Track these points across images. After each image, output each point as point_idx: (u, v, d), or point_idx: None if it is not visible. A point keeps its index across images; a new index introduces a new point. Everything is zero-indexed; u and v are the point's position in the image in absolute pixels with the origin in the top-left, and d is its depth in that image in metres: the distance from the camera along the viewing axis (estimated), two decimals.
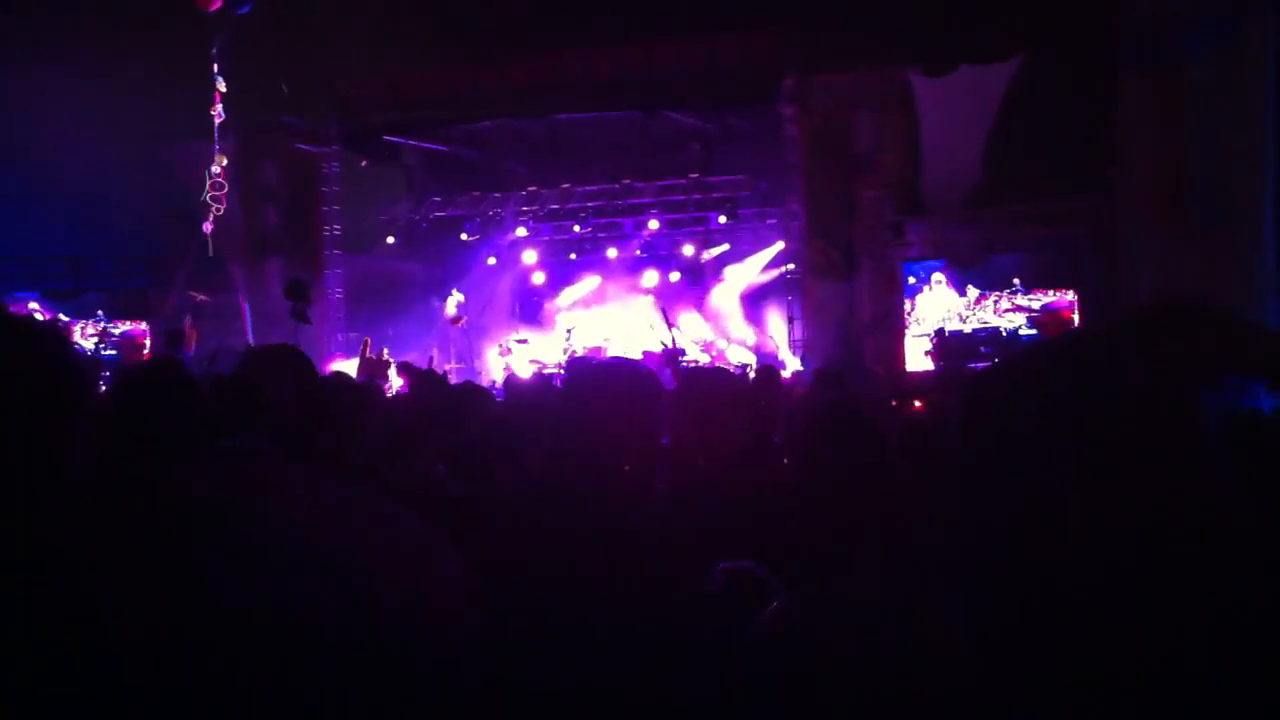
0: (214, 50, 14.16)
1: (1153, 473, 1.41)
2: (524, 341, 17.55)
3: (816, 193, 14.40)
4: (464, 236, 18.06)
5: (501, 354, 17.30)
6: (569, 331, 17.66)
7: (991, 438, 1.47)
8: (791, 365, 14.96)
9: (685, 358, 14.63)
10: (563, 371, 14.15)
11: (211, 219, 14.83)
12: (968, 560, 1.71)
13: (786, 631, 2.01)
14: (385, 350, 14.27)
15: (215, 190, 14.81)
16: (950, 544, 1.88)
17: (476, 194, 17.80)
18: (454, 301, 17.27)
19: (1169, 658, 1.36)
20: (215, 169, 14.75)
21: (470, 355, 16.99)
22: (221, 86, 14.49)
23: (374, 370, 10.63)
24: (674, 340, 13.76)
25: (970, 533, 1.64)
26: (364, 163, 17.86)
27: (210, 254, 15.05)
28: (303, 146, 16.59)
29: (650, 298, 17.70)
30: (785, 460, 3.25)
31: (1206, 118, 11.23)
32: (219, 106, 14.49)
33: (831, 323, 14.35)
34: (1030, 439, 1.44)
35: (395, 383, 9.90)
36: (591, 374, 2.29)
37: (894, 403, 8.23)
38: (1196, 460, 1.48)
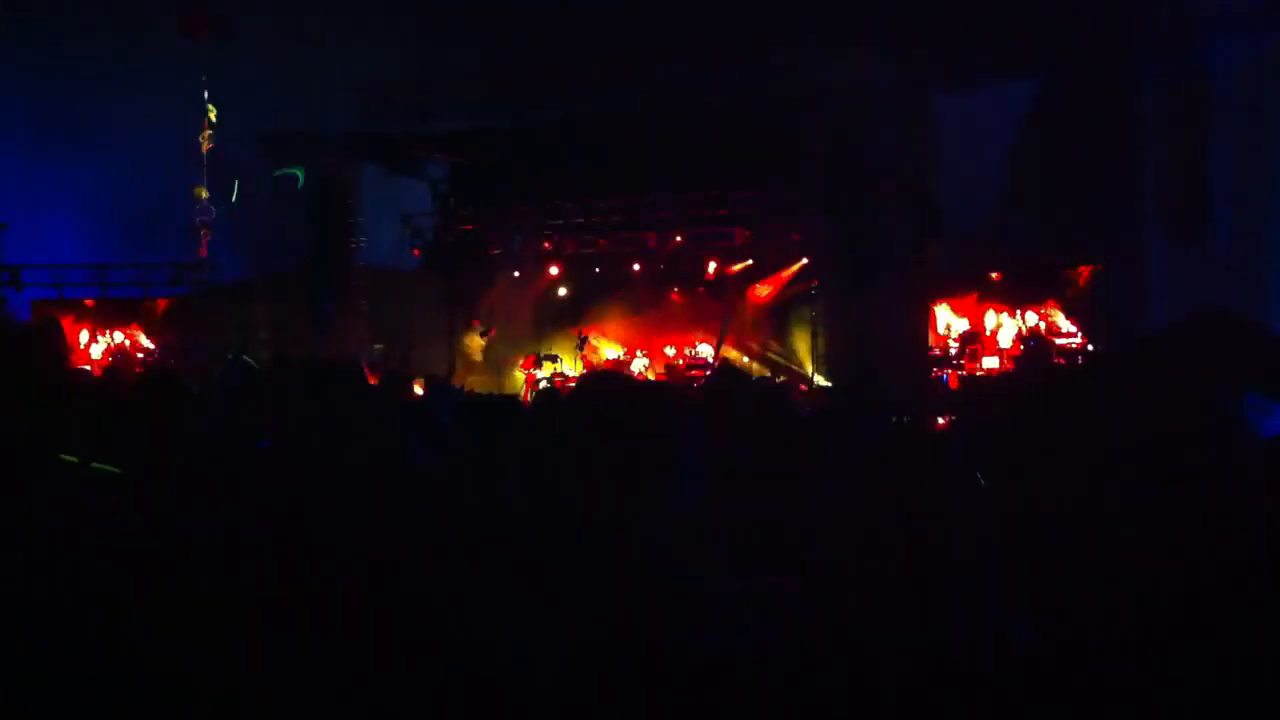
0: (204, 79, 14.35)
1: (1190, 480, 1.40)
2: (550, 356, 17.60)
3: (838, 208, 14.36)
4: (488, 249, 18.14)
5: (526, 367, 17.38)
6: (583, 342, 17.69)
7: (1035, 448, 1.47)
8: (815, 380, 14.94)
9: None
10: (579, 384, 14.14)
11: (204, 244, 15.03)
12: (1005, 562, 1.70)
13: (803, 643, 1.99)
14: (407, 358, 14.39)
15: (204, 216, 14.99)
16: (981, 549, 1.86)
17: (500, 207, 17.86)
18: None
19: (1203, 648, 1.36)
20: (203, 195, 14.93)
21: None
22: (212, 116, 14.67)
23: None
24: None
25: (1012, 536, 1.63)
26: (389, 174, 17.94)
27: (204, 270, 15.24)
28: (329, 157, 16.66)
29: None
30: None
31: (1228, 135, 11.16)
32: (208, 133, 14.68)
33: (852, 337, 14.31)
34: (1072, 449, 1.43)
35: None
36: (597, 384, 2.28)
37: (905, 418, 8.20)
38: (1232, 469, 1.47)
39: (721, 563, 2.06)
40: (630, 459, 1.92)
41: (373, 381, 9.45)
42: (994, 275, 14.72)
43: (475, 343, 18.28)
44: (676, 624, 1.86)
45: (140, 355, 16.13)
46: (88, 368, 14.50)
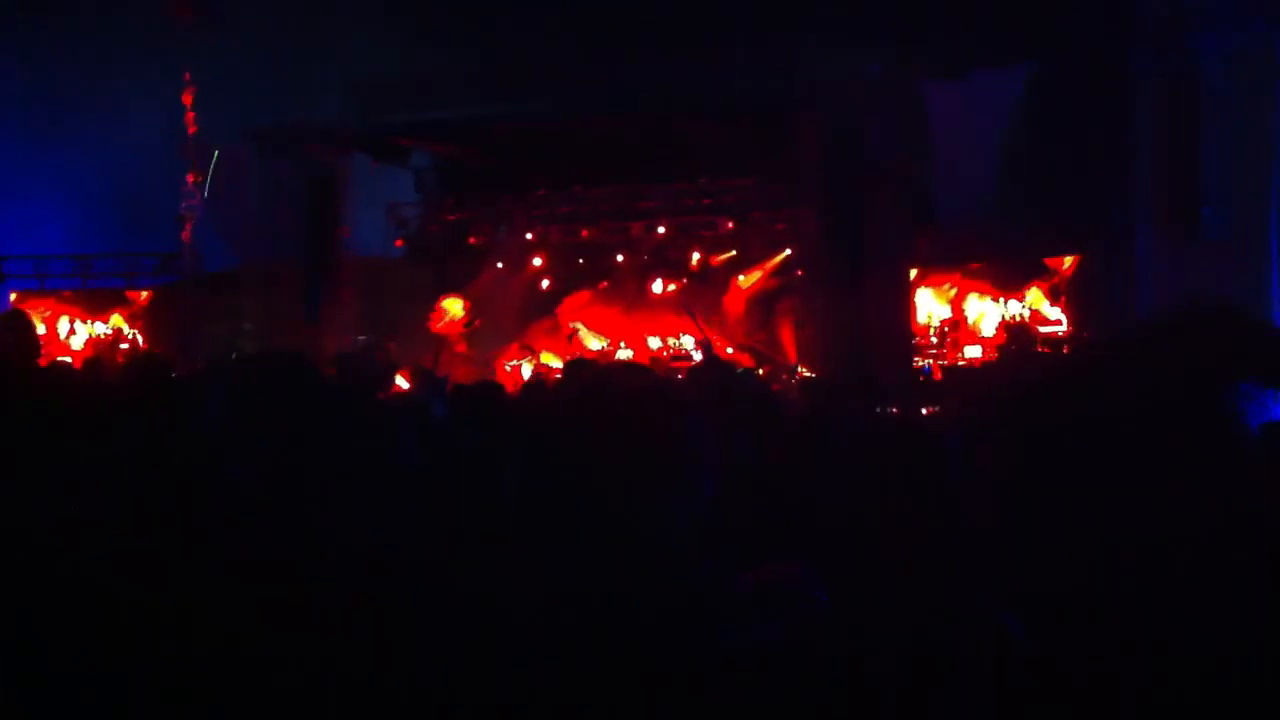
0: (187, 61, 14.32)
1: (1190, 477, 1.41)
2: (531, 347, 17.58)
3: (827, 199, 14.35)
4: (472, 239, 18.09)
5: (513, 358, 17.36)
6: (570, 335, 17.70)
7: (1026, 444, 1.47)
8: (800, 370, 14.96)
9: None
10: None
11: (189, 230, 15.00)
12: (1005, 562, 1.71)
13: (822, 639, 2.00)
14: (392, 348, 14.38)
15: (190, 201, 14.96)
16: (981, 549, 1.87)
17: (485, 196, 17.81)
18: (457, 304, 17.42)
19: (1203, 648, 1.36)
20: (188, 180, 14.89)
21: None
22: (189, 99, 14.63)
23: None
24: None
25: (1005, 533, 1.63)
26: (374, 164, 17.85)
27: (190, 262, 15.21)
28: (316, 147, 16.56)
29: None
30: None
31: (1220, 126, 11.21)
32: (191, 115, 14.65)
33: (839, 329, 14.31)
34: (1066, 444, 1.43)
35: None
36: (592, 375, 2.27)
37: (893, 409, 8.25)
38: (1232, 465, 1.47)
39: (725, 561, 2.06)
40: (637, 458, 1.92)
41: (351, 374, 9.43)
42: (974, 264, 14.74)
43: (454, 314, 18.12)
44: (677, 624, 1.86)
45: (124, 346, 16.06)
46: (68, 359, 14.40)
